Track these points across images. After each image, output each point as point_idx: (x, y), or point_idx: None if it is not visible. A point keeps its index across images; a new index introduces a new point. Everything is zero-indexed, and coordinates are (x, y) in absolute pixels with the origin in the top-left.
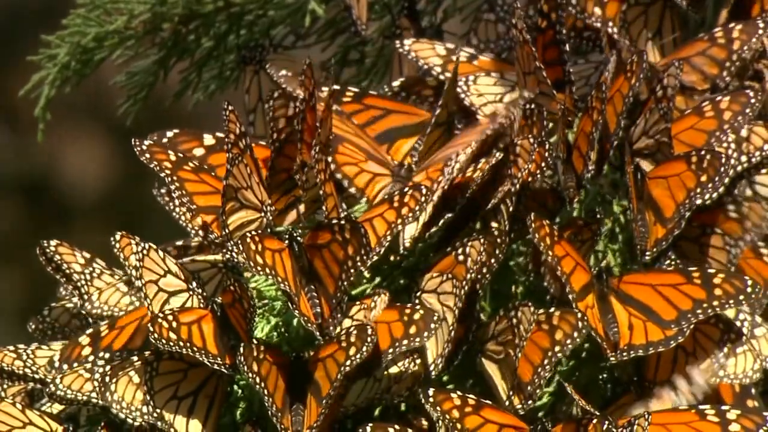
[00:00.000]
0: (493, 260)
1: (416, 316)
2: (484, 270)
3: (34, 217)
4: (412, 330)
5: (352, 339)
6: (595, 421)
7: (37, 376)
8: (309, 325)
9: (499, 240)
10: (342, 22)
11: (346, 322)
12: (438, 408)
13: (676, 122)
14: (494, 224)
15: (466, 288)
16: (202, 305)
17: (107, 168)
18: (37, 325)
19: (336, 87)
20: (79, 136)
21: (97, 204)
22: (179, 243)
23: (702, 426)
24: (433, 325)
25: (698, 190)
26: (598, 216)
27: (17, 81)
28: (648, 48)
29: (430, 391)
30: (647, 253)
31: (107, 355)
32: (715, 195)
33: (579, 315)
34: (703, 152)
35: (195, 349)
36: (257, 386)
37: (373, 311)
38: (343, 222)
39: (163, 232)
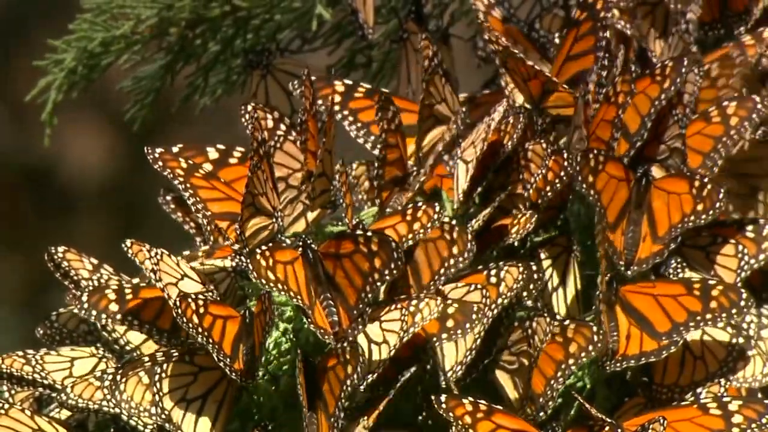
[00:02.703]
0: (525, 293)
1: (450, 310)
2: (514, 298)
3: (37, 207)
4: (450, 323)
5: (347, 356)
6: (607, 428)
7: (46, 382)
8: (325, 337)
9: (536, 276)
10: (348, 26)
11: (374, 326)
12: (450, 414)
13: None
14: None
15: (495, 312)
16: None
17: (110, 158)
18: (45, 330)
19: (348, 82)
20: (83, 126)
21: (99, 194)
22: (186, 253)
23: (705, 421)
24: (474, 317)
25: (692, 218)
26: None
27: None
28: (656, 47)
29: (443, 397)
30: (631, 267)
31: (136, 321)
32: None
33: (594, 329)
34: (705, 180)
35: (211, 341)
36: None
37: (416, 317)
38: (369, 234)
39: (164, 223)
